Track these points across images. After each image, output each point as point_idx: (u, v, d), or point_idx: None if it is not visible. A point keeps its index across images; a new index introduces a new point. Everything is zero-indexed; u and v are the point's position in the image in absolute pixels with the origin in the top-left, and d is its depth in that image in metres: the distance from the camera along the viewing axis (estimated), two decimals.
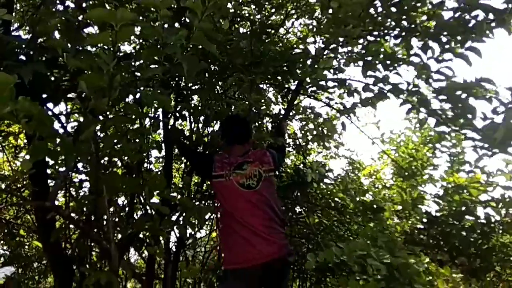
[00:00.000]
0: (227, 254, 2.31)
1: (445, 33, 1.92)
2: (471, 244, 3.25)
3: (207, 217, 3.91)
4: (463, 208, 3.38)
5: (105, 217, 2.13)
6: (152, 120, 3.08)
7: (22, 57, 1.96)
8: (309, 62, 2.60)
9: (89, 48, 2.01)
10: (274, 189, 2.45)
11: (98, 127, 1.74)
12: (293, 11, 3.62)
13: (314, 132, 3.20)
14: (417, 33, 2.09)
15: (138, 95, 2.06)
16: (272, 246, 2.18)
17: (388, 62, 2.11)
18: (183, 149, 2.85)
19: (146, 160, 3.19)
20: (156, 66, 1.82)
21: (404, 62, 2.08)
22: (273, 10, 3.59)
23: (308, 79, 2.47)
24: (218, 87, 2.98)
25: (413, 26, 2.16)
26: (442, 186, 3.77)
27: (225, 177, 2.33)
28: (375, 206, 3.28)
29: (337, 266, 2.17)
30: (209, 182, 3.26)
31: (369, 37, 2.39)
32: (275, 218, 2.29)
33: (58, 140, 1.63)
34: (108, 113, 2.25)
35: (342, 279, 1.83)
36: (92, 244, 2.90)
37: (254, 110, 3.11)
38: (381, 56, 2.14)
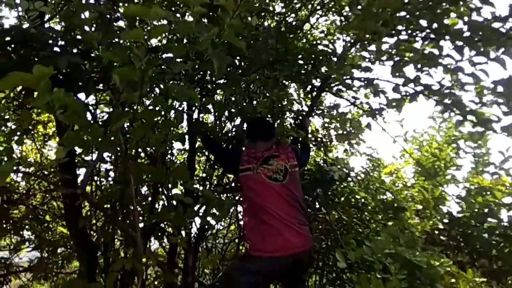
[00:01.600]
0: (256, 242, 2.26)
1: (479, 36, 1.89)
2: (492, 247, 3.21)
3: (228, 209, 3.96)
4: (486, 210, 3.33)
5: (131, 206, 2.20)
6: (177, 113, 3.14)
7: (56, 49, 2.02)
8: (335, 59, 2.59)
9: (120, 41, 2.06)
10: (299, 184, 2.48)
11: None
12: (319, 7, 3.60)
13: (340, 131, 3.19)
14: (449, 35, 2.06)
15: (163, 88, 2.11)
16: (302, 237, 2.22)
17: (420, 63, 2.08)
18: (208, 143, 2.86)
19: (169, 152, 3.26)
20: (185, 60, 1.86)
21: (436, 63, 2.06)
22: (298, 6, 3.59)
23: (334, 76, 2.46)
24: (242, 82, 3.00)
25: (444, 28, 2.12)
26: (465, 187, 3.71)
27: (253, 170, 2.37)
28: (395, 205, 3.27)
29: (357, 264, 2.18)
30: (232, 176, 3.32)
31: (398, 36, 2.36)
32: (302, 211, 2.34)
33: (89, 130, 1.69)
34: (136, 105, 2.31)
35: (363, 276, 1.84)
36: (116, 231, 2.99)
37: (276, 106, 3.13)
38: (412, 55, 2.11)
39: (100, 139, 1.72)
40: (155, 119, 2.52)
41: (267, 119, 2.91)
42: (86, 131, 1.60)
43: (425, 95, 2.13)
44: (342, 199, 3.32)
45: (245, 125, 3.05)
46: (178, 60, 1.92)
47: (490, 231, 3.25)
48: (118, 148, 1.94)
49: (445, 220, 3.54)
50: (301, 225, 2.27)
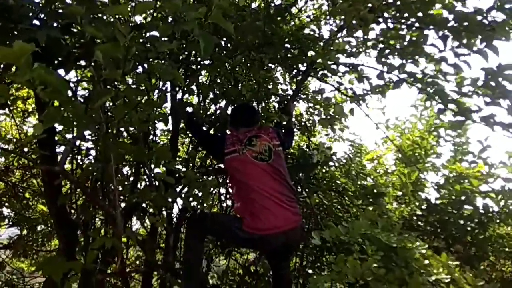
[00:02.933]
0: (249, 220, 2.25)
1: (463, 26, 1.90)
2: (467, 233, 3.31)
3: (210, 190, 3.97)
4: (463, 197, 3.42)
5: (112, 185, 2.18)
6: (160, 93, 3.10)
7: (36, 22, 1.96)
8: (321, 43, 2.58)
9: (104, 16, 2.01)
10: (284, 163, 2.51)
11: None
12: None
13: (323, 115, 3.20)
14: (434, 24, 2.07)
15: (147, 67, 2.08)
16: (292, 214, 2.26)
17: (405, 51, 2.09)
18: (192, 126, 2.82)
19: (152, 132, 3.23)
20: (170, 40, 1.83)
21: (420, 52, 2.07)
22: None
23: (319, 61, 2.46)
24: (227, 64, 2.98)
25: (429, 17, 2.13)
26: (444, 175, 3.80)
27: (239, 152, 2.40)
28: (375, 190, 3.33)
29: (335, 246, 2.22)
30: (215, 160, 3.31)
31: (384, 25, 2.36)
32: (290, 188, 2.37)
33: (70, 107, 1.66)
34: (119, 83, 2.27)
35: (340, 257, 1.88)
36: (96, 210, 2.97)
37: (261, 90, 3.12)
38: (399, 43, 2.12)
39: (80, 117, 1.69)
40: (138, 98, 2.48)
41: (251, 105, 2.90)
42: (67, 108, 1.56)
43: (409, 83, 2.15)
44: (324, 183, 3.36)
45: (229, 111, 3.03)
46: (164, 39, 1.89)
47: (466, 218, 3.35)
48: (99, 127, 1.90)
49: (423, 207, 3.62)
50: (290, 202, 2.31)
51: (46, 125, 1.56)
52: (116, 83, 2.37)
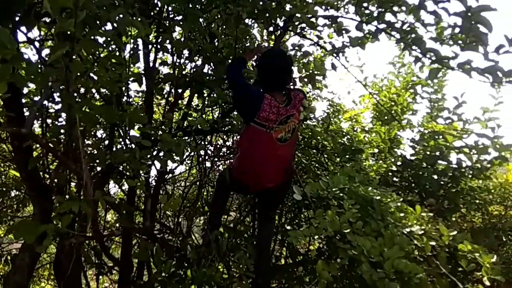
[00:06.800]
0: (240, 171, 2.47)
1: None
2: (441, 187, 3.40)
3: (187, 153, 3.94)
4: (437, 153, 3.49)
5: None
6: (132, 51, 2.97)
7: None
8: None
9: None
10: (298, 136, 2.57)
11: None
12: None
13: (303, 71, 3.14)
14: None
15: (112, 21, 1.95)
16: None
17: None
18: (236, 70, 2.44)
19: (125, 94, 3.11)
20: None
21: (399, 1, 2.01)
22: None
23: (298, 15, 2.37)
24: (202, 19, 2.85)
25: None
26: (419, 131, 3.85)
27: (267, 129, 2.23)
28: (353, 148, 3.36)
29: (314, 203, 2.25)
30: (192, 118, 3.25)
31: None
32: (287, 168, 2.45)
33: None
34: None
35: (319, 212, 1.90)
36: (71, 174, 2.90)
37: (239, 46, 3.02)
38: None
39: (34, 74, 1.58)
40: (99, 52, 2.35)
41: (287, 56, 2.47)
42: (18, 65, 1.45)
43: (387, 33, 2.10)
44: (302, 141, 3.36)
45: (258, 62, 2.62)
46: None
47: (439, 173, 3.44)
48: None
49: (399, 163, 3.69)
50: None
51: None
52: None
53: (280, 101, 2.26)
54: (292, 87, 2.81)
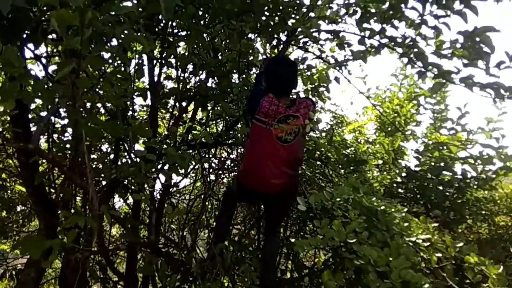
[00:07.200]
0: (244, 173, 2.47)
1: None
2: (446, 198, 3.38)
3: (191, 166, 3.95)
4: (442, 164, 3.48)
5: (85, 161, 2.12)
6: (137, 67, 3.00)
7: None
8: (303, 10, 2.51)
9: None
10: (302, 145, 2.50)
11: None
12: None
13: (309, 84, 3.16)
14: None
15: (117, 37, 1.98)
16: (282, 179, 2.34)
17: (386, 14, 2.05)
18: (258, 78, 2.61)
19: (130, 108, 3.15)
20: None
21: (401, 15, 2.04)
22: None
23: (300, 29, 2.40)
24: (205, 34, 2.89)
25: None
26: (423, 142, 3.85)
27: (266, 125, 2.29)
28: (357, 159, 3.36)
29: (319, 214, 2.25)
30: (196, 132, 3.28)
31: None
32: (293, 168, 2.40)
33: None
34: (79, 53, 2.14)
35: (325, 222, 1.90)
36: (77, 189, 2.92)
37: (242, 60, 3.05)
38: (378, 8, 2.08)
39: (40, 91, 1.60)
40: (106, 69, 2.37)
41: (291, 62, 2.55)
42: (26, 82, 1.48)
43: (389, 47, 2.12)
44: (306, 153, 3.37)
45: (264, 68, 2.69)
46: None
47: (445, 184, 3.42)
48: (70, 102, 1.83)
49: (403, 174, 3.68)
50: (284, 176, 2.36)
51: (4, 100, 1.48)
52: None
53: (283, 103, 2.33)
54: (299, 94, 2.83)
